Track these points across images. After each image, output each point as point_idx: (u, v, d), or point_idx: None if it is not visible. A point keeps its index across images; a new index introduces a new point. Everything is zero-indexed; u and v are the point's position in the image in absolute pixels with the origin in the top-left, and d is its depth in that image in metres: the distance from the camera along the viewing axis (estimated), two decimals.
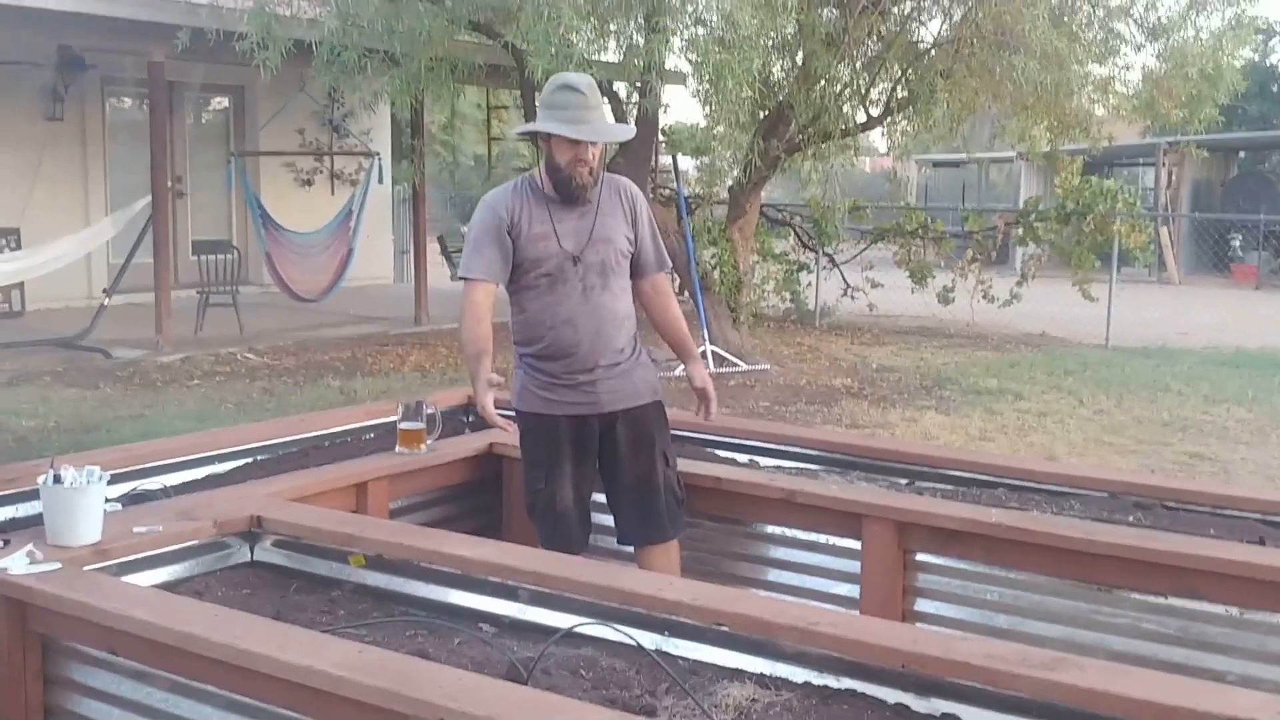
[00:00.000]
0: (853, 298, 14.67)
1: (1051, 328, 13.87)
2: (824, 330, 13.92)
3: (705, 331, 10.69)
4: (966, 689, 2.57)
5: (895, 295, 14.64)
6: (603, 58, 9.26)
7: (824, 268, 14.82)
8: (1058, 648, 3.23)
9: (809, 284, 14.82)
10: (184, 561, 3.41)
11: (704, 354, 10.66)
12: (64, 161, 13.40)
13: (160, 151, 10.97)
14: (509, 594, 3.16)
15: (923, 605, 3.88)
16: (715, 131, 9.63)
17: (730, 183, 11.43)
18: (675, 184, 11.50)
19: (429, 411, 4.40)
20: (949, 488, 4.35)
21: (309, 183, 15.78)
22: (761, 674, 2.77)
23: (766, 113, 10.38)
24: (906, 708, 2.62)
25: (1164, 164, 22.35)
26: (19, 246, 12.10)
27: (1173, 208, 22.65)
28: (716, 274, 10.86)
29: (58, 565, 3.00)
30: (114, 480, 3.93)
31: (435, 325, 12.67)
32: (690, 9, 8.42)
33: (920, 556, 3.87)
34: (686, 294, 10.86)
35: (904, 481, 4.45)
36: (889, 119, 10.27)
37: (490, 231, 3.91)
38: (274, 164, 15.21)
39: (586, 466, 4.05)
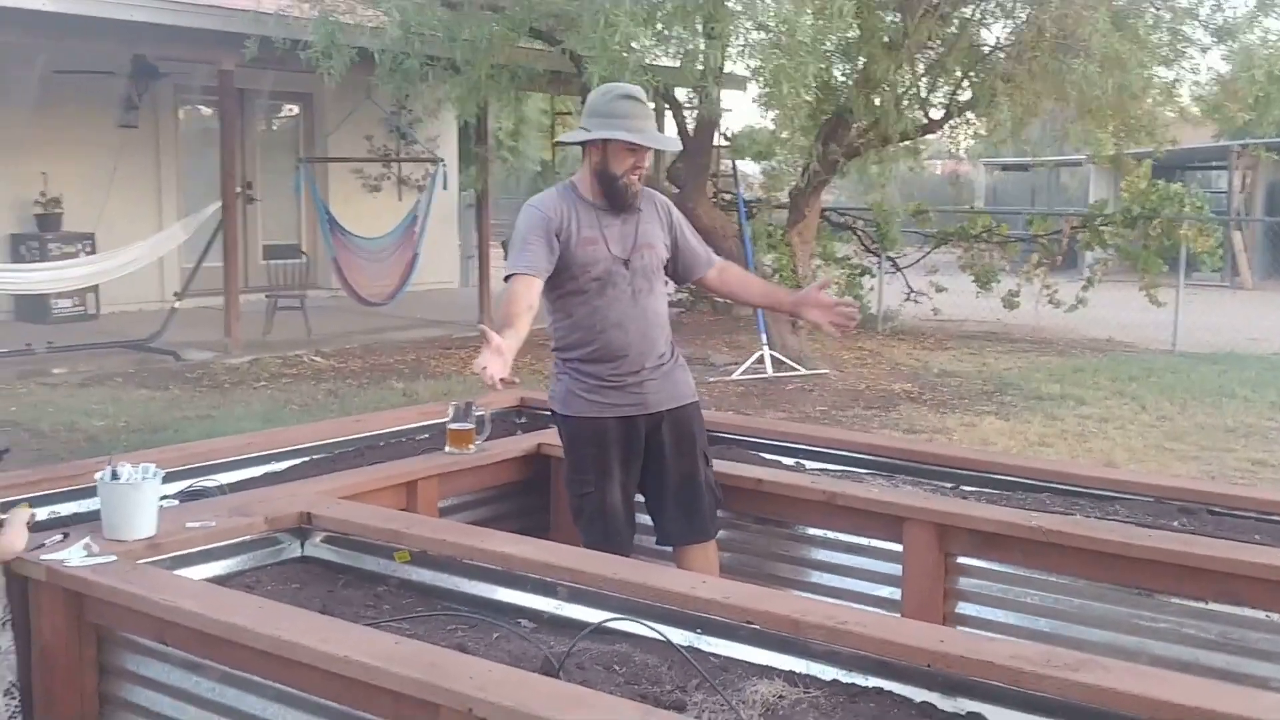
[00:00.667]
0: (916, 302, 14.62)
1: (1119, 333, 13.74)
2: (886, 335, 13.88)
3: (764, 336, 10.72)
4: (992, 689, 2.59)
5: (960, 300, 14.57)
6: (662, 63, 9.34)
7: (887, 272, 14.77)
8: (1099, 652, 3.24)
9: (871, 288, 14.78)
10: (236, 556, 3.51)
11: (761, 358, 10.70)
12: (138, 168, 13.71)
13: (230, 158, 11.21)
14: (548, 590, 3.22)
15: (964, 608, 3.88)
16: (776, 135, 9.65)
17: (790, 187, 11.45)
18: (735, 189, 11.52)
19: (478, 413, 4.48)
20: (994, 492, 4.35)
21: (376, 188, 16.01)
22: (791, 671, 2.80)
23: (827, 117, 10.40)
24: (933, 706, 2.64)
25: (1236, 167, 21.98)
26: (94, 251, 12.39)
27: (1246, 212, 22.26)
28: (775, 279, 10.86)
29: (113, 558, 3.11)
30: (172, 478, 4.07)
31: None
32: (748, 15, 8.47)
33: (961, 560, 3.88)
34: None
35: (949, 485, 4.46)
36: (950, 123, 10.23)
37: (537, 230, 3.95)
38: (342, 170, 15.46)
39: (633, 468, 4.09)
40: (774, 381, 10.41)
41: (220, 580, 3.38)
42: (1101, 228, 13.41)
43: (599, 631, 3.03)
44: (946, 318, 14.72)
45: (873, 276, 14.85)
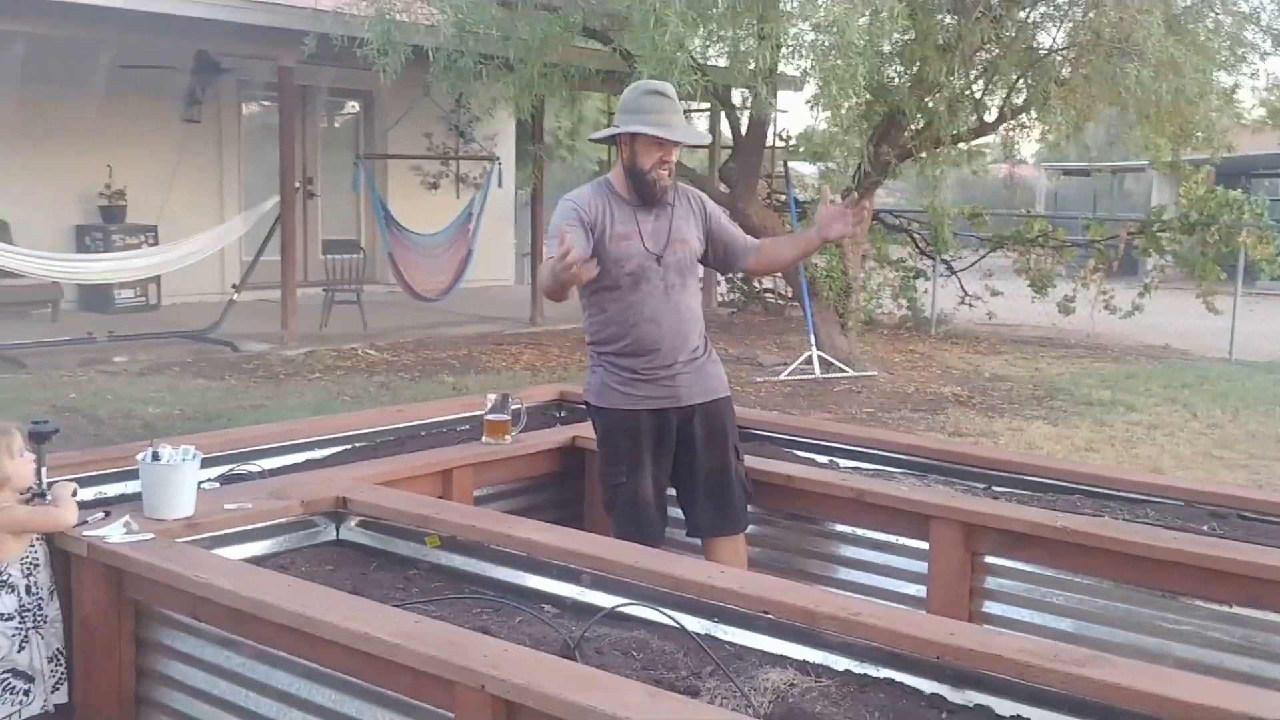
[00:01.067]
0: (970, 306, 14.55)
1: (1176, 340, 13.60)
2: (939, 338, 13.82)
3: (812, 337, 10.72)
4: (1000, 682, 2.63)
5: (1015, 304, 14.48)
6: (718, 63, 9.39)
7: (941, 275, 14.71)
8: (1123, 653, 3.25)
9: (925, 291, 14.73)
10: (272, 538, 3.61)
11: (809, 359, 10.70)
12: (201, 162, 13.95)
13: (289, 153, 11.38)
14: (572, 577, 3.29)
15: (990, 607, 3.90)
16: (828, 135, 9.66)
17: (843, 189, 11.43)
18: (788, 189, 11.53)
19: (515, 406, 4.56)
20: (1025, 493, 4.36)
21: (435, 186, 16.17)
22: (804, 661, 2.86)
23: (880, 118, 10.39)
24: (942, 698, 2.68)
25: None
26: (156, 242, 12.63)
27: None
28: (826, 280, 10.86)
29: (151, 536, 3.22)
30: (216, 463, 4.20)
31: (550, 326, 12.90)
32: (803, 16, 8.49)
33: (988, 559, 3.91)
34: (795, 300, 10.90)
35: (981, 486, 4.48)
36: (1003, 126, 10.19)
37: (571, 221, 4.01)
38: (402, 167, 15.63)
39: (664, 460, 4.15)
40: (822, 382, 10.42)
41: (256, 561, 3.48)
42: (1159, 234, 13.28)
43: (618, 618, 3.10)
44: (1002, 322, 14.63)
45: (927, 279, 14.78)
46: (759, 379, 10.50)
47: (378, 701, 2.72)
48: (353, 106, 16.19)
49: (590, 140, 4.65)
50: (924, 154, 10.01)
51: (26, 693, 3.19)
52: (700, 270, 4.39)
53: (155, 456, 3.41)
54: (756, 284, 15.27)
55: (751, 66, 7.86)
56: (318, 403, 8.84)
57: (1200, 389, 10.48)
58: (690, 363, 4.16)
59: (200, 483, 3.72)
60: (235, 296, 11.76)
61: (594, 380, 4.20)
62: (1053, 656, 2.60)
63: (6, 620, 3.15)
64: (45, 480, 3.36)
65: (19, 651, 3.17)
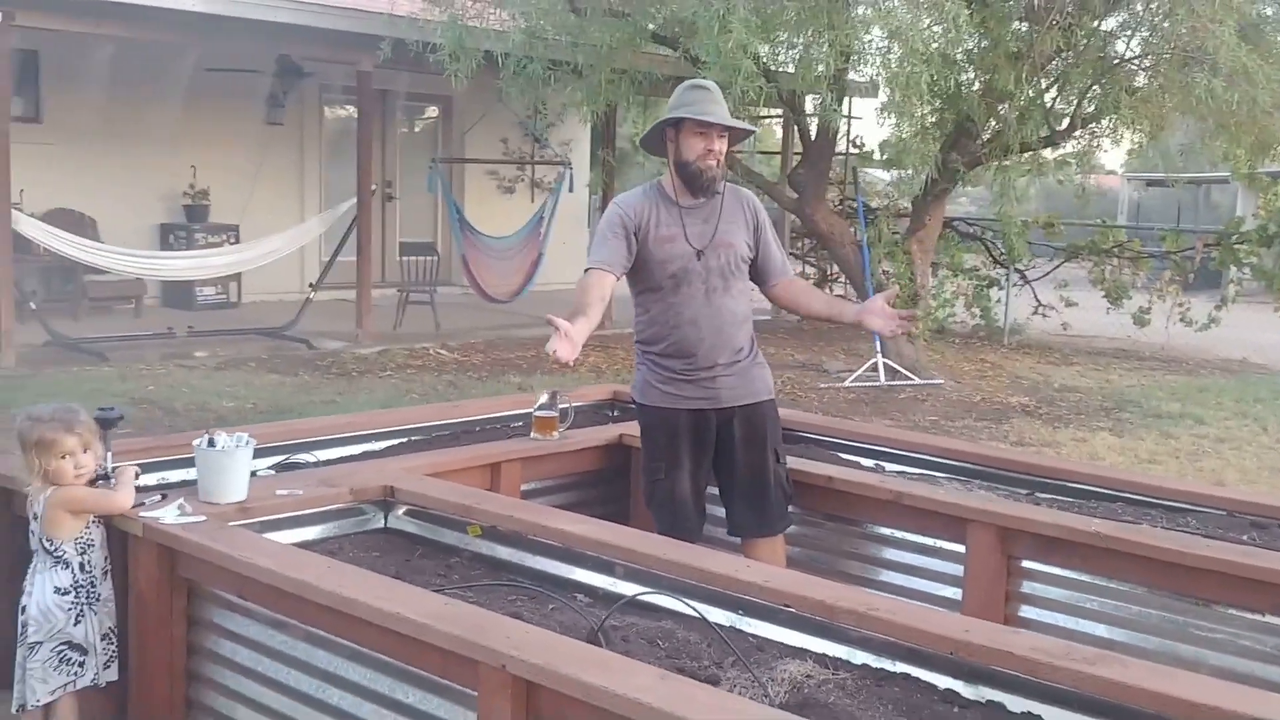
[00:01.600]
0: (1044, 316, 14.43)
1: (1254, 355, 13.38)
2: (1011, 348, 13.72)
3: (878, 344, 10.71)
4: (1012, 679, 2.68)
5: (1091, 315, 14.34)
6: (787, 69, 9.43)
7: (1014, 284, 14.60)
8: (1159, 660, 3.26)
9: (998, 300, 14.62)
10: (322, 524, 3.75)
11: (875, 366, 10.71)
12: (283, 164, 14.28)
13: (366, 156, 11.62)
14: (605, 568, 3.39)
15: (1026, 612, 3.94)
16: (899, 142, 9.68)
17: (914, 196, 11.43)
18: (857, 196, 11.53)
19: (563, 404, 4.66)
20: (1067, 500, 4.38)
21: (510, 190, 16.38)
22: (823, 654, 2.92)
23: (951, 126, 10.38)
24: (956, 694, 2.74)
25: None
26: (238, 241, 12.94)
27: None
28: (893, 285, 10.83)
29: (203, 518, 3.36)
30: (276, 452, 4.36)
31: (618, 329, 12.98)
32: (878, 22, 8.52)
33: (1024, 563, 3.94)
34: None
35: (1024, 492, 4.50)
36: (1074, 135, 10.12)
37: (615, 227, 4.11)
38: (479, 171, 15.86)
39: (703, 459, 4.21)
40: (887, 390, 10.41)
41: (305, 545, 3.60)
42: (1236, 246, 13.08)
43: (649, 609, 3.18)
44: (1076, 333, 14.49)
45: (1000, 288, 14.68)
46: (823, 385, 10.52)
47: (410, 680, 2.83)
48: (432, 111, 16.45)
49: (639, 143, 4.72)
50: (994, 162, 9.94)
51: (81, 664, 3.35)
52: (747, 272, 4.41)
53: (211, 443, 3.56)
54: (828, 290, 15.27)
55: (819, 71, 7.89)
56: (387, 399, 9.02)
57: (1274, 403, 10.31)
58: (732, 365, 4.20)
59: (257, 471, 3.88)
60: (312, 295, 12.02)
61: (638, 378, 4.30)
62: (1064, 654, 2.64)
63: (63, 594, 3.31)
64: (110, 464, 3.53)
65: (75, 625, 3.33)
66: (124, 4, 9.60)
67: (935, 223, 11.27)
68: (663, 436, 4.18)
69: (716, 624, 3.07)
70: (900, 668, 2.83)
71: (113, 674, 3.42)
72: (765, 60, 8.76)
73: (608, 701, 2.37)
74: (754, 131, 4.67)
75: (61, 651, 3.34)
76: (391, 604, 2.78)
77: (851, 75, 9.78)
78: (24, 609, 3.36)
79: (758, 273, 4.34)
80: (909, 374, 10.70)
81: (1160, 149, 12.36)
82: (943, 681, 2.76)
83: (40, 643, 3.32)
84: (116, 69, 12.09)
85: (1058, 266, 14.80)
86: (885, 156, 13.00)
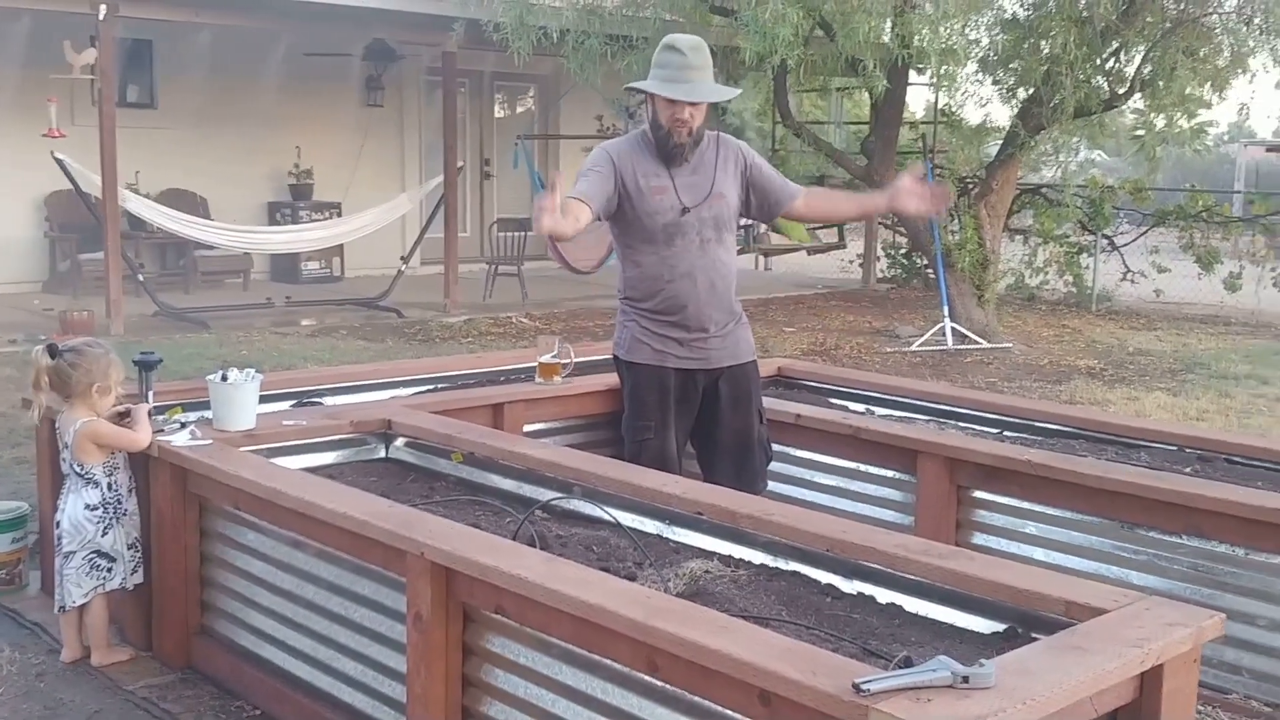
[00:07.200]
0: (1133, 282, 14.36)
1: None
2: (1098, 314, 13.71)
3: (945, 309, 10.88)
4: (884, 574, 2.99)
5: (1185, 282, 14.24)
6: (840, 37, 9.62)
7: (1103, 250, 14.55)
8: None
9: (1088, 267, 14.59)
10: (326, 452, 4.19)
11: (943, 331, 10.87)
12: (383, 143, 14.90)
13: (451, 135, 12.13)
14: (564, 488, 3.76)
15: (976, 539, 4.20)
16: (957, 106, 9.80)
17: (989, 161, 11.54)
18: (925, 163, 11.66)
19: (566, 354, 5.02)
20: (1032, 438, 4.63)
21: None
22: (729, 555, 3.27)
23: (1025, 92, 10.48)
24: (834, 587, 3.06)
25: None
26: (338, 217, 13.60)
27: None
28: (964, 252, 10.99)
29: (209, 442, 3.83)
30: (305, 396, 4.81)
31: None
32: None
33: (974, 494, 4.21)
34: (932, 270, 11.05)
35: (994, 431, 4.76)
36: (1134, 97, 10.14)
37: (598, 167, 4.12)
38: (574, 148, 16.28)
39: (686, 419, 4.26)
40: (953, 354, 10.58)
41: (310, 470, 4.04)
42: None
43: (592, 521, 3.56)
44: (1169, 299, 14.40)
45: (1090, 255, 14.64)
46: (889, 349, 10.73)
47: (362, 574, 3.25)
48: (529, 90, 16.93)
49: (626, 89, 4.76)
50: (1057, 127, 10.02)
51: (109, 570, 3.84)
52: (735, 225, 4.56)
53: (224, 377, 4.03)
54: (918, 259, 15.38)
55: (863, 35, 7.98)
56: None
57: None
58: (723, 325, 4.21)
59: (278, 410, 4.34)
60: (404, 268, 12.60)
61: (624, 335, 4.28)
62: (922, 551, 2.95)
63: (92, 510, 3.81)
64: (152, 404, 4.00)
65: (103, 536, 3.82)
66: None
67: (1006, 188, 11.36)
68: (653, 396, 4.19)
69: (646, 532, 3.44)
70: (791, 566, 3.15)
71: (139, 578, 3.91)
72: (788, 31, 8.62)
73: (501, 580, 2.75)
74: (731, 96, 4.77)
75: (92, 559, 3.83)
76: (341, 506, 3.20)
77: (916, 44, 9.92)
78: (58, 523, 3.87)
79: (771, 204, 4.33)
80: (977, 338, 10.84)
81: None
82: (825, 577, 3.08)
83: (74, 551, 3.83)
84: (223, 56, 12.81)
85: (1145, 233, 14.69)
86: (953, 125, 13.07)
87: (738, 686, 2.28)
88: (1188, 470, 4.16)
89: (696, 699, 2.42)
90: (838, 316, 12.93)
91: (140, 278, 11.26)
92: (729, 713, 2.36)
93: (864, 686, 2.10)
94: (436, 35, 11.44)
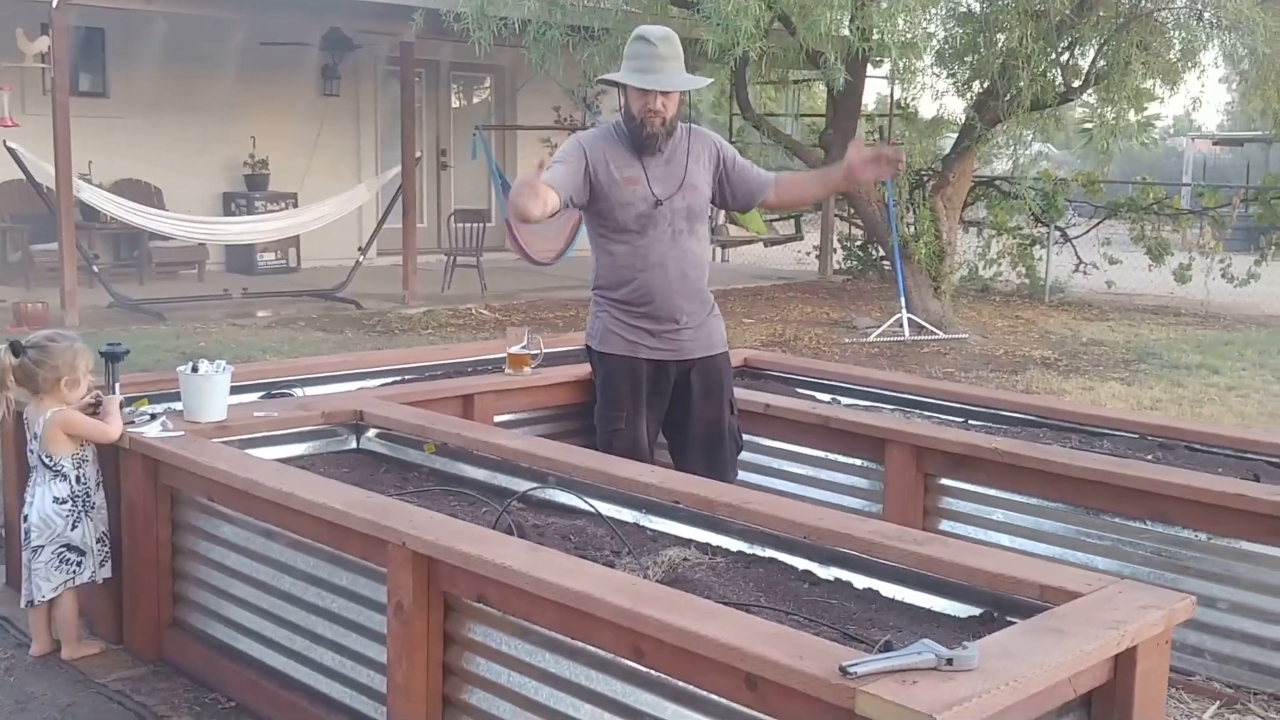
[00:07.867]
0: (1085, 274, 14.55)
1: None
2: (1051, 305, 13.87)
3: (902, 300, 10.97)
4: (859, 560, 3.03)
5: (1136, 274, 14.44)
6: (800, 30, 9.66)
7: (1056, 242, 14.72)
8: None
9: (1040, 258, 14.76)
10: (298, 443, 4.19)
11: (900, 322, 10.97)
12: (339, 133, 14.81)
13: (409, 125, 12.09)
14: (539, 478, 3.78)
15: (944, 525, 4.26)
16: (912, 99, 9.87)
17: (944, 154, 11.64)
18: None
19: (535, 345, 5.03)
20: (997, 426, 4.70)
21: None
22: (706, 543, 3.30)
23: (981, 85, 10.57)
24: (811, 573, 3.10)
25: None
26: (294, 207, 13.51)
27: None
28: (920, 244, 11.08)
29: (181, 433, 3.82)
30: (274, 388, 4.80)
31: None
32: None
33: (942, 481, 4.27)
34: (888, 262, 11.14)
35: (959, 420, 4.82)
36: (1088, 91, 10.27)
37: (569, 156, 4.15)
38: (532, 139, 16.25)
39: (658, 409, 4.27)
40: (910, 344, 10.68)
41: (283, 461, 4.03)
42: (1274, 201, 13.10)
43: (570, 510, 3.59)
44: (1120, 291, 14.59)
45: (1043, 247, 14.81)
46: (848, 340, 10.81)
47: (340, 565, 3.25)
48: (485, 81, 16.88)
49: (598, 80, 4.77)
50: (1012, 120, 10.13)
51: (79, 564, 3.82)
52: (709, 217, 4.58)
53: (194, 369, 4.01)
54: (874, 250, 15.49)
55: (823, 27, 8.03)
56: None
57: None
58: (695, 315, 4.22)
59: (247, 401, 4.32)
60: (361, 259, 12.55)
61: (596, 325, 4.30)
62: (897, 536, 3.00)
63: (61, 503, 3.79)
64: (120, 395, 3.98)
65: (72, 529, 3.80)
66: None
67: (962, 180, 11.47)
68: (626, 386, 4.20)
69: (623, 520, 3.47)
70: (769, 553, 3.19)
71: (107, 572, 3.89)
72: (759, 21, 8.62)
73: (484, 569, 2.77)
74: (702, 85, 4.78)
75: (61, 553, 3.81)
76: (319, 496, 3.20)
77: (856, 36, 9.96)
78: (25, 517, 3.84)
79: (746, 194, 4.34)
80: (934, 329, 10.95)
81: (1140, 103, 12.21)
82: (802, 564, 3.12)
83: (42, 546, 3.80)
84: (177, 44, 12.68)
85: (1096, 225, 14.88)
86: (908, 116, 13.18)
87: (724, 671, 2.32)
88: (1149, 457, 4.24)
89: (682, 684, 2.46)
90: (795, 308, 13.01)
91: (95, 269, 11.14)
92: (715, 697, 2.40)
93: (851, 669, 2.14)
94: (395, 25, 11.39)
